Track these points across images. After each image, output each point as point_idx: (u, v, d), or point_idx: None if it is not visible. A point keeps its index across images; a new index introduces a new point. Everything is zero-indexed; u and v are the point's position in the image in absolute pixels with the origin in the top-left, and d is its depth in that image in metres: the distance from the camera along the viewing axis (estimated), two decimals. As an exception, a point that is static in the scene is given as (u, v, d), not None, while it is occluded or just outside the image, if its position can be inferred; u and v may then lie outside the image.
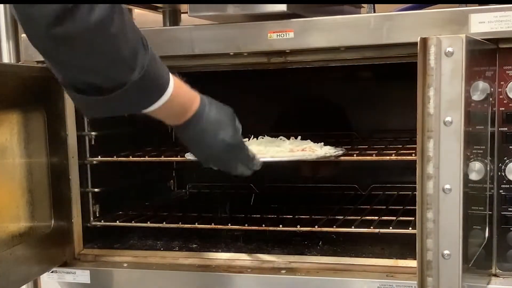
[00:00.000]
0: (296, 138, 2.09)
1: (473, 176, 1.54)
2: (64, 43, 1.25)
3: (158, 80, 1.42)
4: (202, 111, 1.57)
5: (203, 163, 1.68)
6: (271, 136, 2.11)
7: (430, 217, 1.40)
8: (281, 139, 2.06)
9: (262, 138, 2.08)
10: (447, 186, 1.38)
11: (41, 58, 1.36)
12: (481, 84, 1.52)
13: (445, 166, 1.38)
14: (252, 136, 2.07)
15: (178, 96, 1.48)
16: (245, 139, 2.00)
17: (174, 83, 1.46)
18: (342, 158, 1.99)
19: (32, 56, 1.89)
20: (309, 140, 2.06)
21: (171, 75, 1.47)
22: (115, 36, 1.29)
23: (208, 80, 2.54)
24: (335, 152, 1.97)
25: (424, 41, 1.37)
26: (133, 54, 1.33)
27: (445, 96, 1.37)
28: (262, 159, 1.78)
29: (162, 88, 1.43)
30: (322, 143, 2.04)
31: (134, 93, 1.36)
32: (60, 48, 1.26)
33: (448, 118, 1.36)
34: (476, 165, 1.54)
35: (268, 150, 1.94)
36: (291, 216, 2.13)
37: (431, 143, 1.38)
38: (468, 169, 1.49)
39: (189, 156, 1.87)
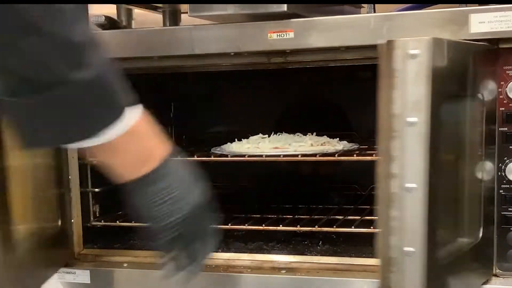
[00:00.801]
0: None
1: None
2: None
3: (115, 98, 1.14)
4: (170, 162, 1.28)
5: (158, 237, 1.36)
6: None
7: (393, 215, 1.40)
8: (298, 135, 2.09)
9: (280, 134, 2.14)
10: (410, 185, 1.38)
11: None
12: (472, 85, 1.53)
13: (409, 165, 1.39)
14: (272, 132, 2.11)
15: (141, 133, 1.21)
16: (264, 136, 2.03)
17: (141, 117, 1.21)
18: (342, 158, 1.99)
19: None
20: (325, 136, 2.13)
21: (139, 108, 1.22)
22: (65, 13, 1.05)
23: (208, 80, 2.56)
24: (351, 146, 2.06)
25: (389, 43, 1.38)
26: (83, 46, 1.09)
27: (410, 97, 1.37)
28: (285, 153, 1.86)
29: (119, 110, 1.14)
30: (338, 138, 2.12)
31: (80, 100, 1.08)
32: None
33: (412, 119, 1.36)
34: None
35: (291, 144, 2.00)
36: (291, 216, 2.14)
37: (395, 143, 1.38)
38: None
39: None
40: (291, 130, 2.21)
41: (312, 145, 2.00)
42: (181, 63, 1.90)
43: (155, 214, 1.30)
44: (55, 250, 1.94)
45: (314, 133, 2.14)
